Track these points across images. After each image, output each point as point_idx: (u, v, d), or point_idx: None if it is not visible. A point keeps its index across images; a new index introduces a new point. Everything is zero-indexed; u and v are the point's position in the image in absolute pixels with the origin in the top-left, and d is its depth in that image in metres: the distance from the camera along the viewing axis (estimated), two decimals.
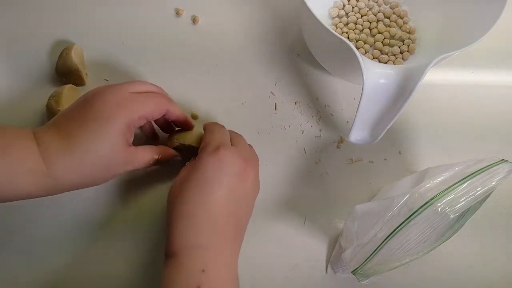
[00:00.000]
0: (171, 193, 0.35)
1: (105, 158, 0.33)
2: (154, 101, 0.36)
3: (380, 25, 0.48)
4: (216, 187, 0.33)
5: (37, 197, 0.32)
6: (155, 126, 0.42)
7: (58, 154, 0.31)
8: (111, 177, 0.35)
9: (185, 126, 0.40)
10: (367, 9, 0.48)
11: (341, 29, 0.48)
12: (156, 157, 0.37)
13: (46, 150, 0.31)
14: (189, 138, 0.39)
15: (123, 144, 0.34)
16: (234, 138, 0.38)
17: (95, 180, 0.34)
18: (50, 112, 0.41)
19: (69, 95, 0.42)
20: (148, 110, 0.35)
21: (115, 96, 0.34)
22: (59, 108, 0.40)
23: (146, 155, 0.37)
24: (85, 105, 0.34)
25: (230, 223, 0.34)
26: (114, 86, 0.35)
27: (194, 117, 0.44)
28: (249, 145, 0.39)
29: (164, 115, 0.37)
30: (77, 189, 0.34)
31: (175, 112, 0.38)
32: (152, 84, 0.38)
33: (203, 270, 0.30)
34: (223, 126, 0.39)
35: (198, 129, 0.40)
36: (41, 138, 0.32)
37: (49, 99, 0.41)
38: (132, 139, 0.36)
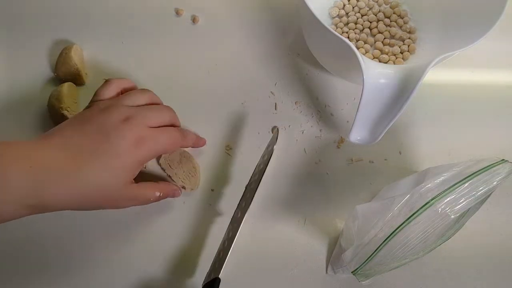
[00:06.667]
0: None
1: (107, 193, 0.32)
2: (171, 139, 0.36)
3: (381, 25, 0.48)
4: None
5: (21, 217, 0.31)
6: None
7: (57, 179, 0.30)
8: (106, 208, 0.34)
9: (195, 147, 0.41)
10: (367, 8, 0.48)
11: (341, 29, 0.48)
12: (158, 194, 0.37)
13: (42, 174, 0.29)
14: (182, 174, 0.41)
15: (128, 181, 0.34)
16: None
17: (89, 208, 0.34)
18: (52, 110, 0.41)
19: (69, 92, 0.42)
20: (163, 149, 0.35)
21: (134, 134, 0.33)
22: (61, 106, 0.40)
23: (148, 192, 0.36)
24: (100, 136, 0.32)
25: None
26: (133, 121, 0.33)
27: None
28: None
29: None
30: (66, 210, 0.32)
31: (187, 145, 0.39)
32: (166, 109, 0.38)
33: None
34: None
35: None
36: (40, 158, 0.30)
37: (50, 99, 0.41)
38: (136, 174, 0.35)
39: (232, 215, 0.38)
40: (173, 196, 0.39)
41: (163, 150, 0.36)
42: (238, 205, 0.38)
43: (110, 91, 0.37)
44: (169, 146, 0.36)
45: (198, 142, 0.41)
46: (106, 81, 0.37)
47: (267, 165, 0.38)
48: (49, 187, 0.30)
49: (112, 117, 0.33)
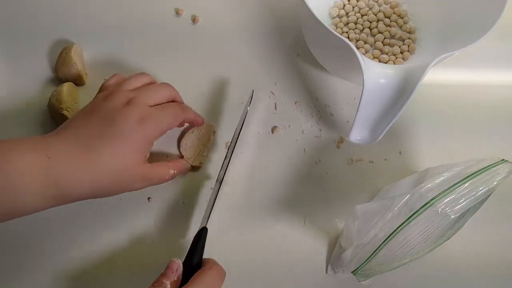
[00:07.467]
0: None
1: (121, 174, 0.33)
2: (172, 114, 0.37)
3: (381, 24, 0.48)
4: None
5: (43, 210, 0.32)
6: None
7: (72, 167, 0.32)
8: (123, 192, 0.35)
9: (195, 124, 0.42)
10: (367, 8, 0.48)
11: (341, 29, 0.48)
12: (172, 172, 0.38)
13: (58, 163, 0.31)
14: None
15: (140, 161, 0.35)
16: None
17: (106, 194, 0.34)
18: (52, 111, 0.41)
19: (69, 92, 0.42)
20: (167, 124, 0.37)
21: (136, 114, 0.34)
22: (61, 106, 0.40)
23: (162, 170, 0.37)
24: (106, 122, 0.34)
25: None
26: (134, 103, 0.35)
27: None
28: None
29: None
30: (85, 199, 0.34)
31: (190, 118, 0.40)
32: (165, 86, 0.39)
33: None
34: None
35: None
36: (53, 149, 0.32)
37: (50, 99, 0.41)
38: (148, 155, 0.37)
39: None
40: (187, 172, 0.40)
41: (167, 125, 0.37)
42: (222, 165, 0.40)
43: (113, 82, 0.38)
44: (171, 121, 0.37)
45: (197, 118, 0.41)
46: (113, 75, 0.39)
47: (242, 124, 0.42)
48: (65, 176, 0.31)
49: (114, 103, 0.35)
